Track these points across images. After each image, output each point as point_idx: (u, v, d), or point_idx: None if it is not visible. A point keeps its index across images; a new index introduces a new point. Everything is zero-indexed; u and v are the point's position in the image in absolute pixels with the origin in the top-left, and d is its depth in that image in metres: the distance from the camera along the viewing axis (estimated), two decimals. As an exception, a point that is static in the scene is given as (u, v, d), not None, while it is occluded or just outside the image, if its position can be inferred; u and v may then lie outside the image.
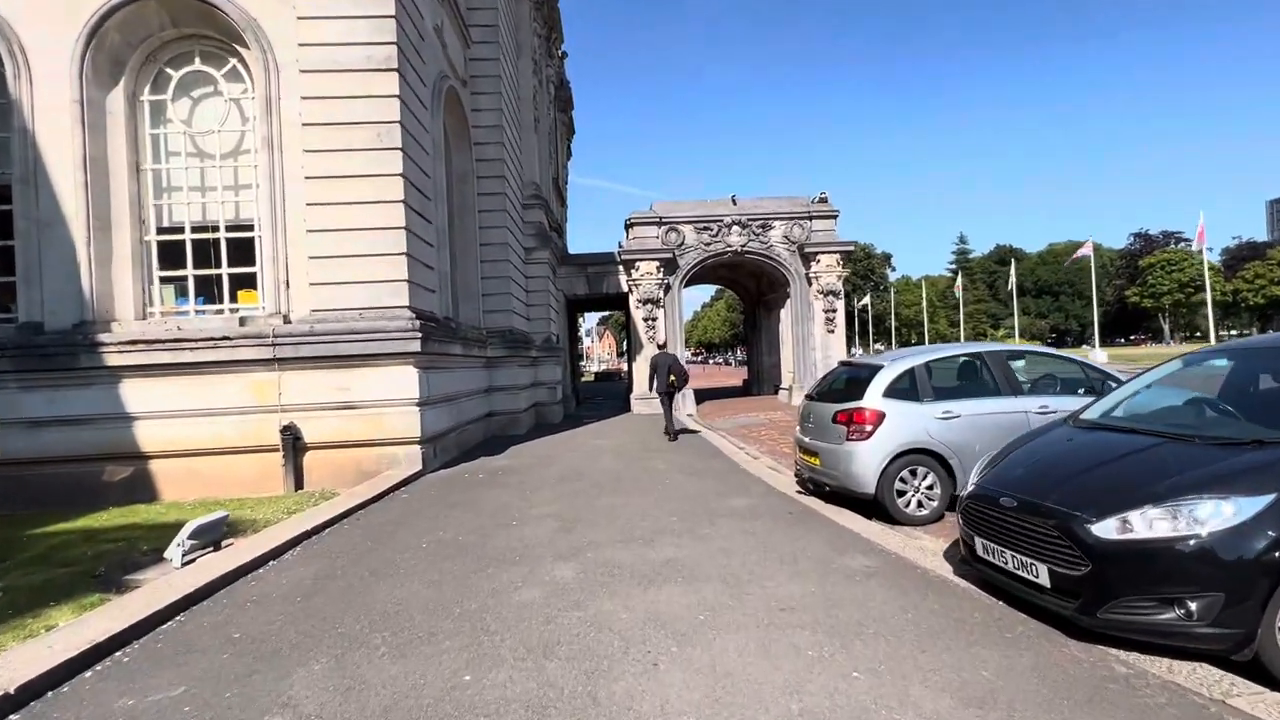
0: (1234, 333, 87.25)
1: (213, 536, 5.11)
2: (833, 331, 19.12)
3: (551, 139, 21.96)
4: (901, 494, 5.77)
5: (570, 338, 23.37)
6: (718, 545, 4.88)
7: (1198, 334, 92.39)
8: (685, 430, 13.40)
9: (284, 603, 3.88)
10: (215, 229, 8.73)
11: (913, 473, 5.78)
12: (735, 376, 43.86)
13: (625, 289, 19.08)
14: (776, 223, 19.21)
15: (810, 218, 19.20)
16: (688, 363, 21.91)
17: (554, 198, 21.18)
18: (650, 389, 12.74)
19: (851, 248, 18.98)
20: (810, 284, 19.16)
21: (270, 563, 4.70)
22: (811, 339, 19.22)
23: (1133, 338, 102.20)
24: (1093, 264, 36.90)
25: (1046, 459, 3.81)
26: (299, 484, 8.18)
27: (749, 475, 8.05)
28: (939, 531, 5.64)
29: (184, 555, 4.74)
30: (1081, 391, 6.12)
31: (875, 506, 5.91)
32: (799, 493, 6.85)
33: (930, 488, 5.79)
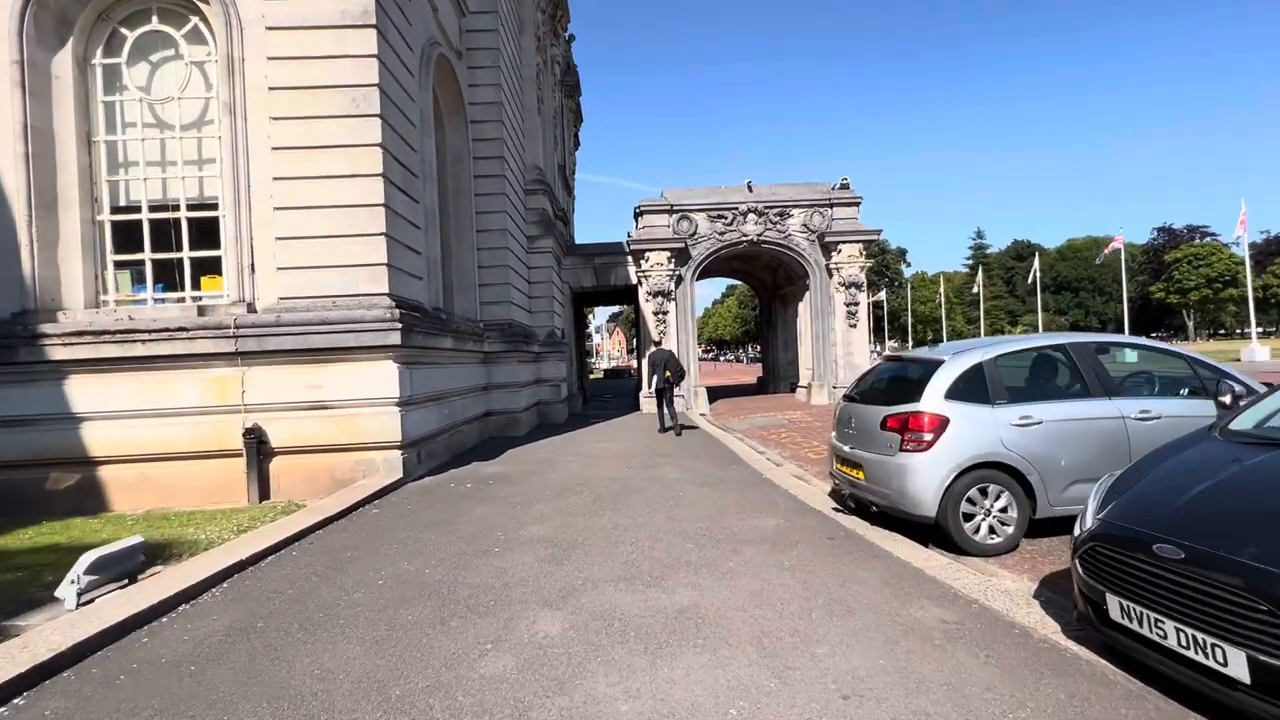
0: (1258, 330, 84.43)
1: (124, 568, 4.17)
2: (855, 326, 17.99)
3: (557, 124, 20.95)
4: (969, 517, 4.72)
5: (577, 332, 22.41)
6: (746, 586, 3.86)
7: (1222, 330, 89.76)
8: (687, 426, 12.44)
9: (170, 673, 2.91)
10: (176, 208, 7.81)
11: (983, 492, 4.72)
12: (748, 374, 42.76)
13: (634, 281, 18.06)
14: (795, 210, 18.09)
15: (831, 205, 18.06)
16: (699, 360, 20.89)
17: (560, 186, 20.19)
18: (649, 386, 12.90)
19: (875, 236, 17.84)
20: (831, 275, 18.03)
21: (182, 606, 3.75)
22: (832, 334, 18.09)
23: (1154, 335, 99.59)
24: (1123, 258, 35.34)
25: (1215, 490, 2.75)
26: (264, 493, 7.26)
27: (773, 486, 7.02)
28: (1017, 565, 4.58)
29: (80, 594, 3.80)
30: (1185, 393, 5.03)
31: (935, 532, 4.87)
32: (835, 510, 5.81)
33: (1004, 510, 4.73)
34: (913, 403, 4.90)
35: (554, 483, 7.41)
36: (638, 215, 18.09)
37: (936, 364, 5.00)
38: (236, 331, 7.16)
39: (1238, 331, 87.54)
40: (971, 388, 4.86)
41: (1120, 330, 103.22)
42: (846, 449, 5.59)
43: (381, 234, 7.53)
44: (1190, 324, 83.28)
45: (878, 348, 27.80)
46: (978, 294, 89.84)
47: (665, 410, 12.24)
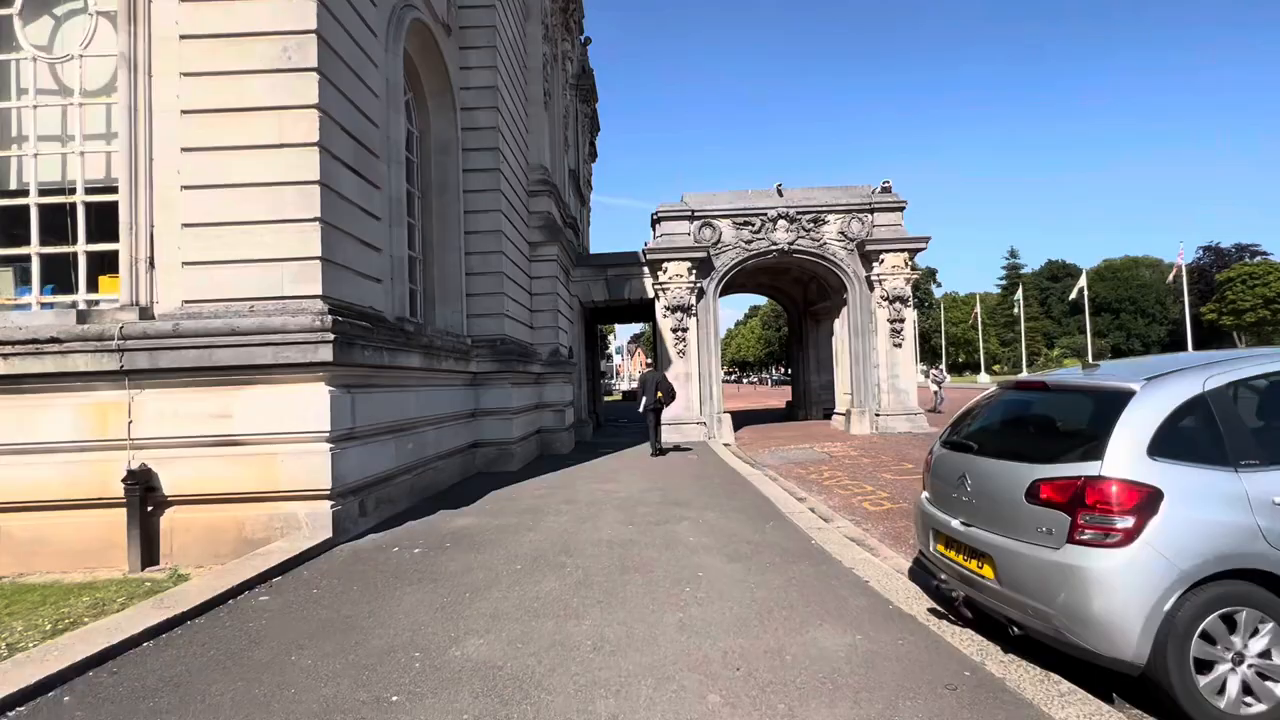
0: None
1: None
2: (900, 345, 15.91)
3: (568, 126, 19.49)
4: (1205, 666, 2.72)
5: (589, 351, 20.65)
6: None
7: None
8: (677, 448, 11.25)
9: None
10: (73, 191, 6.25)
11: (1229, 623, 2.73)
12: (774, 397, 40.50)
13: (650, 294, 16.27)
14: (831, 216, 16.20)
15: (871, 210, 16.14)
16: (722, 381, 18.95)
17: (571, 192, 18.63)
18: (638, 407, 13.25)
19: (923, 245, 15.83)
20: (872, 289, 16.03)
21: None
22: (874, 354, 16.03)
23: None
24: (1184, 276, 32.68)
25: None
26: (150, 556, 5.52)
27: (830, 561, 5.04)
28: (1312, 765, 2.56)
29: None
30: None
31: (1142, 685, 2.87)
32: (935, 614, 3.83)
33: (1264, 655, 2.72)
34: (1089, 461, 2.94)
35: (530, 548, 5.53)
36: (655, 222, 16.38)
37: (1123, 394, 3.04)
38: (122, 344, 5.50)
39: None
40: (1194, 436, 2.89)
41: (1168, 353, 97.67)
42: (957, 524, 3.62)
43: (315, 220, 5.84)
44: (1241, 346, 78.43)
45: (935, 369, 25.90)
46: (1014, 314, 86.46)
47: (655, 433, 12.64)
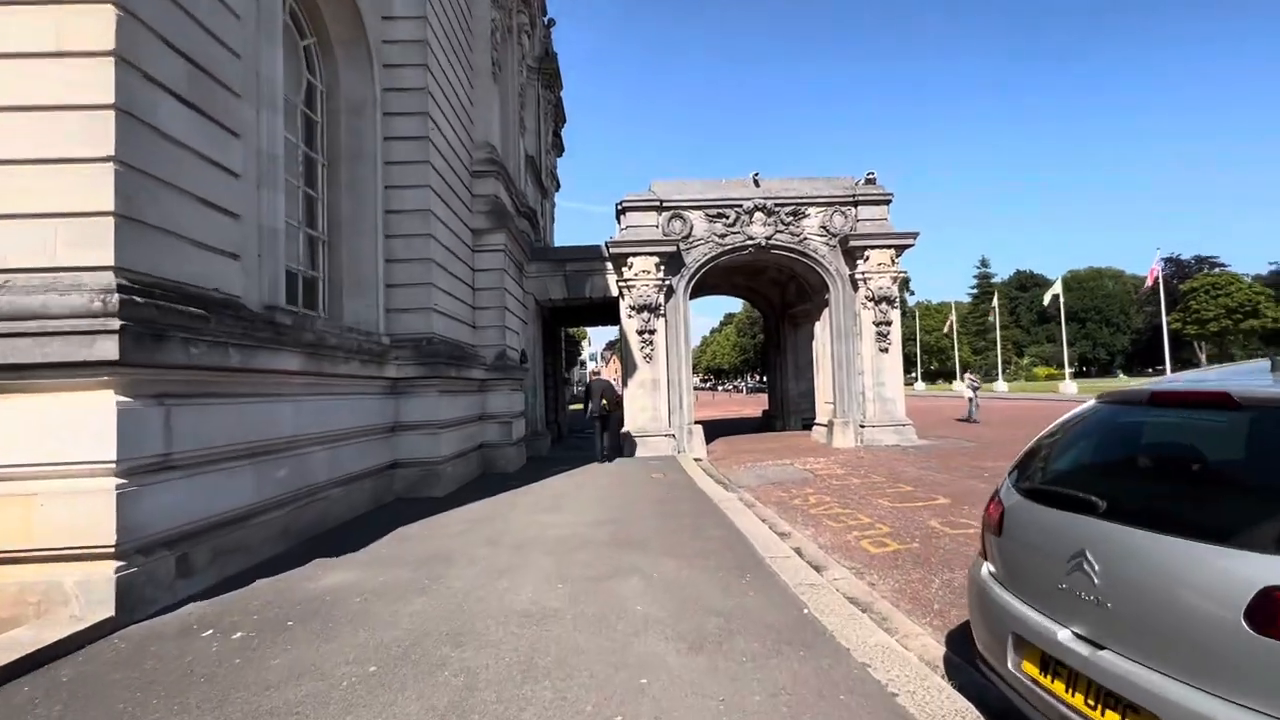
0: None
1: None
2: (887, 350, 14.58)
3: (530, 110, 17.90)
4: None
5: (551, 355, 18.96)
6: None
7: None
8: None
9: None
10: None
11: None
12: (749, 406, 39.16)
13: (615, 292, 14.69)
14: (811, 209, 14.85)
15: (855, 203, 14.83)
16: (695, 389, 17.43)
17: (528, 180, 17.00)
18: (585, 414, 13.22)
19: (911, 241, 14.56)
20: (856, 288, 14.69)
21: None
22: (858, 360, 14.67)
23: (1155, 368, 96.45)
24: (1161, 286, 32.40)
25: None
26: None
27: (833, 647, 3.48)
28: None
29: None
30: None
31: None
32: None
33: None
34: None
35: (407, 629, 3.86)
36: (620, 213, 14.83)
37: None
38: None
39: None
40: None
41: (1132, 362, 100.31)
42: (1070, 639, 2.09)
43: (109, 160, 4.12)
44: (1203, 357, 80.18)
45: (968, 374, 23.70)
46: (984, 323, 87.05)
47: (601, 439, 12.61)
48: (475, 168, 11.74)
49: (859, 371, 14.65)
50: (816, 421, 16.40)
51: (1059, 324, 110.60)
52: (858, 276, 14.52)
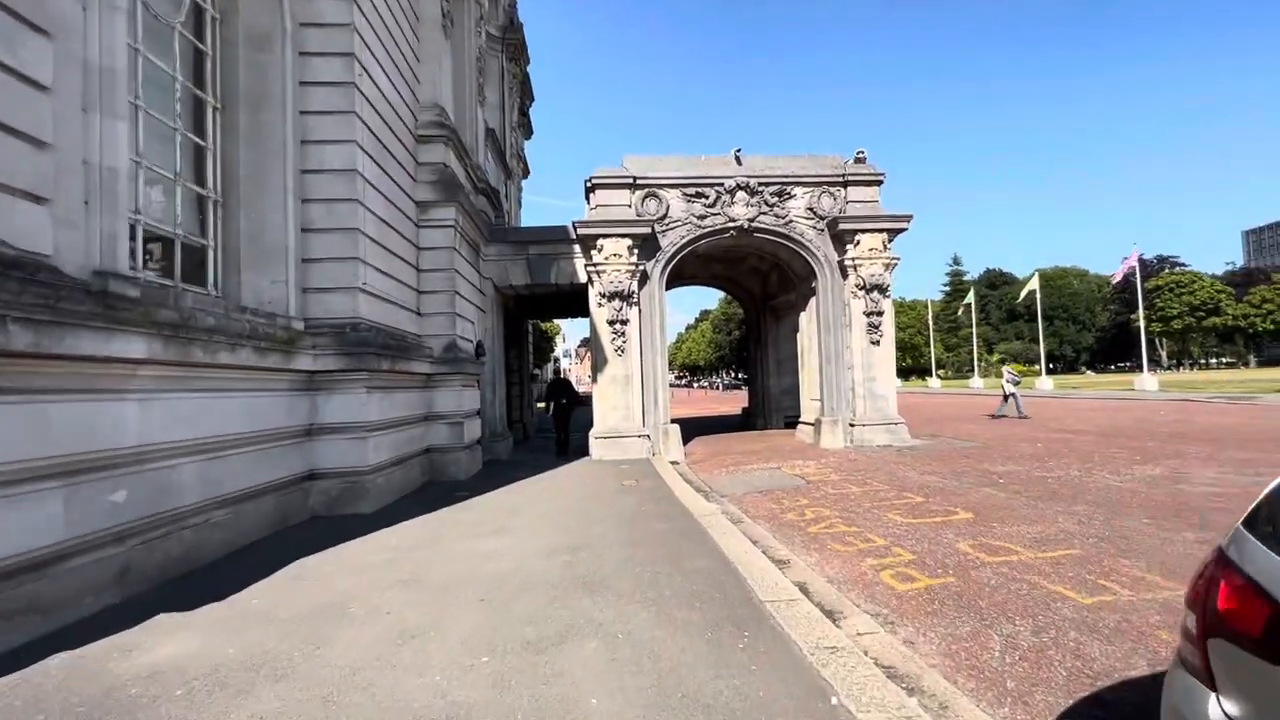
0: (1226, 360, 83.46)
1: None
2: (878, 343, 13.49)
3: (493, 83, 16.37)
4: None
5: (516, 348, 17.48)
6: None
7: (1187, 360, 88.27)
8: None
9: None
10: None
11: None
12: (726, 403, 38.09)
13: (583, 278, 13.30)
14: (798, 189, 13.66)
15: (845, 183, 13.69)
16: (670, 385, 16.20)
17: (490, 157, 15.49)
18: (546, 411, 14.16)
19: (905, 225, 13.48)
20: (846, 275, 13.57)
21: None
22: (847, 353, 13.55)
23: (1122, 366, 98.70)
24: (1138, 279, 32.17)
25: None
26: None
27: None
28: None
29: None
30: None
31: None
32: None
33: None
34: None
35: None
36: (589, 191, 13.43)
37: None
38: None
39: (1202, 362, 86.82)
40: None
41: (1096, 359, 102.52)
42: None
43: None
44: (1163, 354, 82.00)
45: (1007, 369, 22.00)
46: (956, 320, 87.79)
47: (560, 435, 13.34)
48: (421, 131, 10.23)
49: (848, 366, 13.53)
50: (802, 420, 15.26)
51: (1027, 322, 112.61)
52: (847, 263, 13.39)
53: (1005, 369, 21.91)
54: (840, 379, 13.59)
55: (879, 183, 13.79)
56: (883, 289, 13.37)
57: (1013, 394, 19.92)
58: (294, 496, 6.77)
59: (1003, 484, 8.28)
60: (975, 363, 53.96)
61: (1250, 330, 71.49)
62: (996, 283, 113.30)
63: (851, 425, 13.37)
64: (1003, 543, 5.56)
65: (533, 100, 23.53)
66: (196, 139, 6.42)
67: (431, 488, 9.09)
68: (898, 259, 13.45)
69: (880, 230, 13.34)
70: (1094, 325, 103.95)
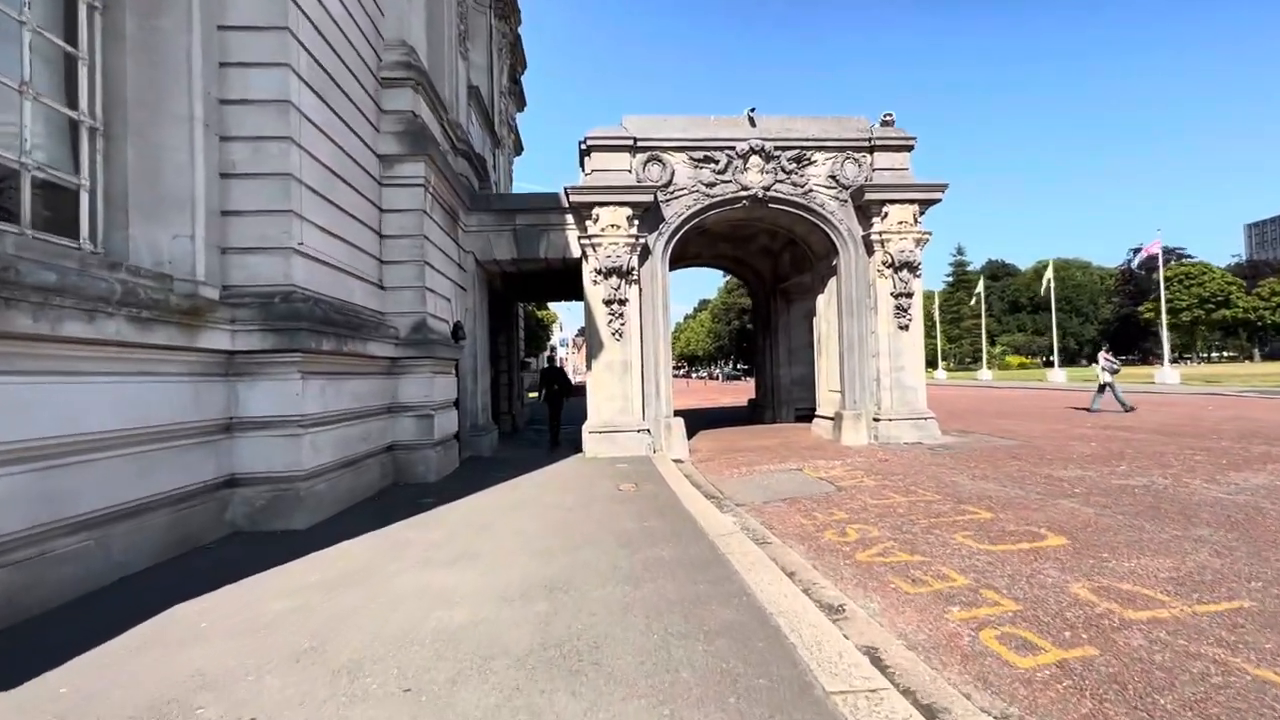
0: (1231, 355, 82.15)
1: None
2: (906, 328, 12.05)
3: (477, 37, 14.78)
4: None
5: (504, 333, 16.01)
6: None
7: (1209, 353, 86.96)
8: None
9: None
10: None
11: None
12: (728, 394, 36.71)
13: (576, 252, 11.81)
14: (819, 155, 12.14)
15: (871, 148, 12.18)
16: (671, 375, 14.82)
17: (475, 120, 13.92)
18: (540, 399, 14.43)
19: (939, 194, 12.00)
20: (872, 252, 12.10)
21: None
22: (872, 340, 12.10)
23: (1125, 357, 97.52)
24: (1160, 267, 30.81)
25: None
26: None
27: None
28: None
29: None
30: None
31: None
32: None
33: None
34: None
35: None
36: (584, 155, 11.91)
37: None
38: None
39: (1204, 355, 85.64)
40: None
41: (1099, 352, 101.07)
42: None
43: None
44: (1166, 347, 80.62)
45: (1105, 353, 18.11)
46: (959, 311, 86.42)
47: (552, 426, 13.07)
48: (385, 74, 8.70)
49: (873, 354, 12.09)
50: (818, 413, 13.84)
51: (1030, 314, 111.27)
52: (873, 237, 11.91)
53: (1101, 354, 18.03)
54: (864, 368, 12.15)
55: (909, 148, 12.28)
56: (912, 267, 11.91)
57: (1109, 383, 16.97)
58: (203, 510, 5.32)
59: (1080, 495, 6.86)
60: (984, 354, 52.61)
61: (1259, 324, 70.24)
62: (999, 274, 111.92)
63: (876, 420, 11.96)
64: (1133, 585, 4.14)
65: (525, 67, 21.86)
66: (62, 43, 4.90)
67: (393, 493, 7.67)
68: (929, 234, 11.98)
69: (911, 201, 11.86)
70: (1097, 318, 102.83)
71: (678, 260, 14.56)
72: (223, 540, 5.47)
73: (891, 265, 11.88)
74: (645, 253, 11.67)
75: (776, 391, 17.24)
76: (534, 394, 29.63)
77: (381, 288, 8.55)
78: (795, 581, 4.40)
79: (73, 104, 4.98)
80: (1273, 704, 2.72)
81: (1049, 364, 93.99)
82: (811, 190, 12.08)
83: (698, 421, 16.59)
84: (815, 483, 8.30)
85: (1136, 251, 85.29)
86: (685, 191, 11.90)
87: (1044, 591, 4.10)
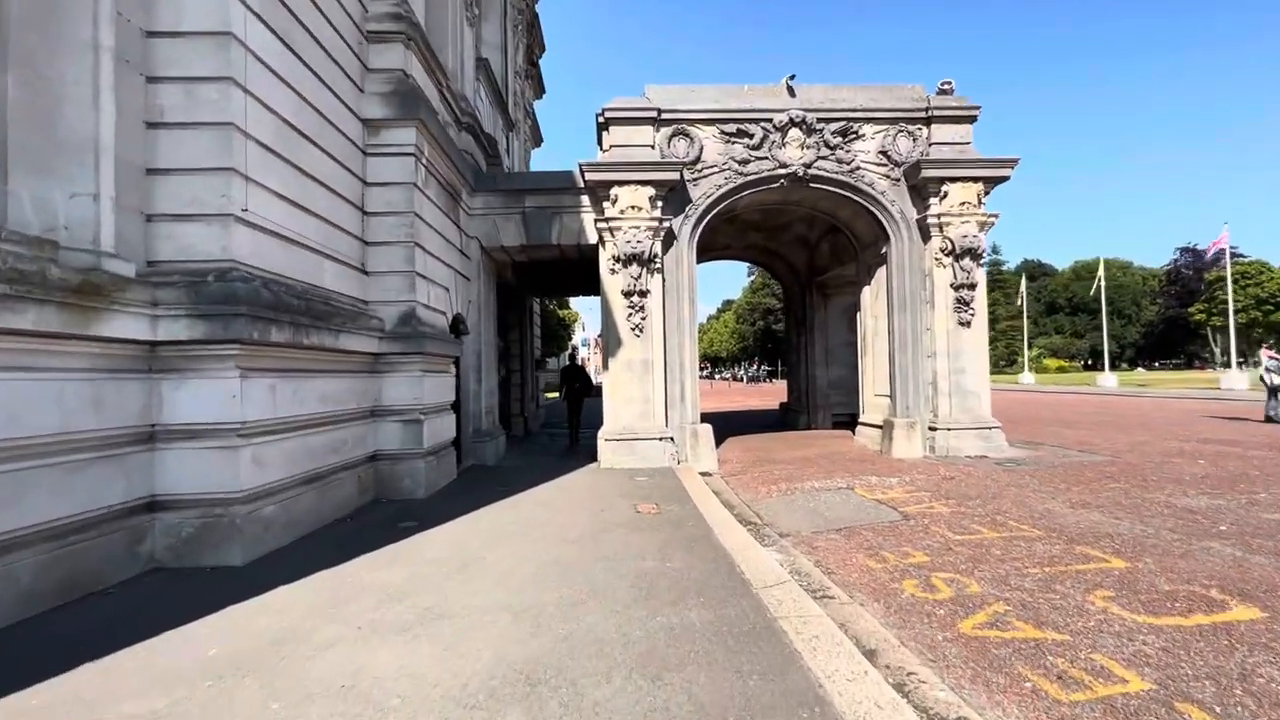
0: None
1: None
2: (968, 324, 10.53)
3: (490, 10, 13.63)
4: None
5: (517, 328, 14.85)
6: None
7: (1241, 359, 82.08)
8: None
9: None
10: None
11: None
12: (754, 396, 35.16)
13: (592, 237, 10.55)
14: (867, 128, 10.70)
15: (929, 119, 10.69)
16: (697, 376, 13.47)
17: (484, 96, 12.75)
18: (560, 397, 13.85)
19: (1009, 172, 10.46)
20: (928, 238, 10.62)
21: None
22: (927, 337, 10.62)
23: (1168, 363, 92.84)
24: (1228, 263, 28.56)
25: None
26: None
27: None
28: None
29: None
30: None
31: None
32: None
33: None
34: None
35: None
36: (602, 128, 10.65)
37: None
38: None
39: (1257, 360, 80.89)
40: None
41: (1141, 355, 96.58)
42: None
43: None
44: (1216, 350, 76.42)
45: (1270, 349, 15.59)
46: (994, 313, 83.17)
47: (571, 425, 12.77)
48: (371, 26, 7.55)
49: (929, 354, 10.60)
50: (863, 420, 12.35)
51: (1068, 315, 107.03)
52: (930, 221, 10.43)
53: (1264, 352, 15.41)
54: (918, 370, 10.67)
55: (972, 119, 10.76)
56: (976, 255, 10.40)
57: (1279, 386, 14.54)
58: (105, 543, 4.17)
59: (1232, 536, 5.34)
60: (1025, 357, 50.12)
61: (1319, 326, 65.94)
62: (1035, 274, 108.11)
63: (932, 429, 10.47)
64: None
65: (543, 50, 20.70)
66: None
67: (370, 512, 6.49)
68: (996, 217, 10.46)
69: (975, 179, 10.35)
70: (1140, 320, 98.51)
71: (704, 251, 13.25)
72: (132, 581, 4.32)
73: (951, 253, 10.38)
74: (670, 238, 10.36)
75: (812, 395, 15.76)
76: (553, 394, 28.55)
77: (365, 272, 7.39)
78: (879, 667, 3.08)
79: (-68, 20, 3.87)
80: None
81: (1089, 367, 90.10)
82: (859, 168, 10.63)
83: (725, 427, 15.21)
84: (873, 506, 6.89)
85: (1187, 250, 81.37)
86: (715, 169, 10.55)
87: (1271, 708, 2.69)
